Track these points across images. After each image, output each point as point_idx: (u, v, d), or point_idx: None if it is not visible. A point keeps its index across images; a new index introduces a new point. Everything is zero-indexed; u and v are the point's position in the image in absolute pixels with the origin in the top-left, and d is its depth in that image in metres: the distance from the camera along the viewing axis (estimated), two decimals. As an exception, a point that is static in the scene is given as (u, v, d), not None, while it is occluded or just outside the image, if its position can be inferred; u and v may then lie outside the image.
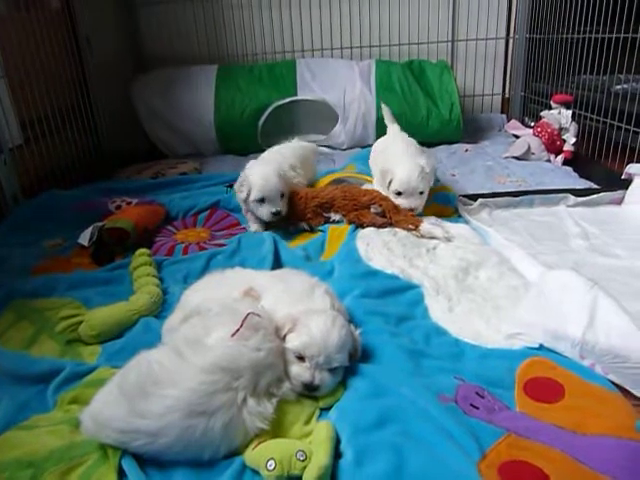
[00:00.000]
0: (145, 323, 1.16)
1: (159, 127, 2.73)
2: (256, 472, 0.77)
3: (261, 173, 1.57)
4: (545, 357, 0.97)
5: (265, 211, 1.56)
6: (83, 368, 1.00)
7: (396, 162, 1.64)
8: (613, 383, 0.92)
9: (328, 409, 0.88)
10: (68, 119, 2.21)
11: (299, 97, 2.72)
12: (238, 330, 0.85)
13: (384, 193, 1.65)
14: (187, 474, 0.78)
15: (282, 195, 1.57)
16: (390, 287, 1.23)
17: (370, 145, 2.66)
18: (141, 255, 1.43)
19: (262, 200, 1.56)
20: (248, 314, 0.88)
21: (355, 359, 0.95)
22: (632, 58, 1.97)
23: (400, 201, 1.60)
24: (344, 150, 2.74)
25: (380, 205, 1.56)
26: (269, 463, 0.75)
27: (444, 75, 2.75)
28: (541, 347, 1.01)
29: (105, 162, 2.52)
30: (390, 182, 1.61)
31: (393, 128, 2.06)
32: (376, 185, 1.77)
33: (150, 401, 0.78)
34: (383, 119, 2.63)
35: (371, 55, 3.04)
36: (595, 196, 1.81)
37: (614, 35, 2.06)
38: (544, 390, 0.89)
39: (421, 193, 1.60)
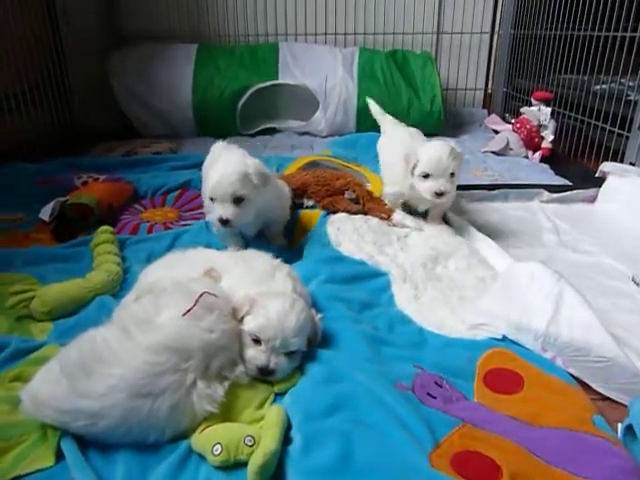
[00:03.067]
0: (100, 301, 1.12)
1: (135, 105, 2.65)
2: (202, 457, 0.74)
3: (219, 168, 1.21)
4: (507, 348, 0.96)
5: (214, 215, 1.20)
6: (29, 345, 0.96)
7: (419, 144, 1.51)
8: (573, 376, 0.92)
9: (283, 394, 0.85)
10: (41, 93, 2.12)
11: (280, 81, 2.67)
12: (190, 309, 0.81)
13: (407, 182, 1.47)
14: (130, 457, 0.74)
15: (238, 199, 1.19)
16: (357, 273, 1.21)
17: (350, 133, 2.67)
18: (103, 232, 1.38)
19: (212, 200, 1.20)
20: (203, 293, 0.84)
21: (314, 344, 0.92)
22: (612, 59, 1.97)
23: (428, 185, 1.40)
24: (324, 137, 2.70)
25: (354, 191, 1.54)
26: (215, 448, 0.72)
27: (427, 67, 2.73)
28: (504, 338, 0.99)
29: (78, 139, 2.44)
30: (414, 166, 1.43)
31: (388, 119, 2.00)
32: (387, 183, 1.61)
33: (92, 380, 0.74)
34: (364, 108, 2.62)
35: (355, 43, 3.00)
36: (569, 193, 1.81)
37: (595, 33, 2.06)
38: (503, 381, 0.87)
39: (452, 175, 1.41)
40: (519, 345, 0.98)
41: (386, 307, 1.12)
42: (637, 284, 1.18)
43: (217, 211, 1.19)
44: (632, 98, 1.92)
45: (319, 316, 0.95)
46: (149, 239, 1.44)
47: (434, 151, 1.42)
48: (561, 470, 0.70)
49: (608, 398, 0.90)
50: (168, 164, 2.03)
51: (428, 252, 1.33)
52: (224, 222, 1.18)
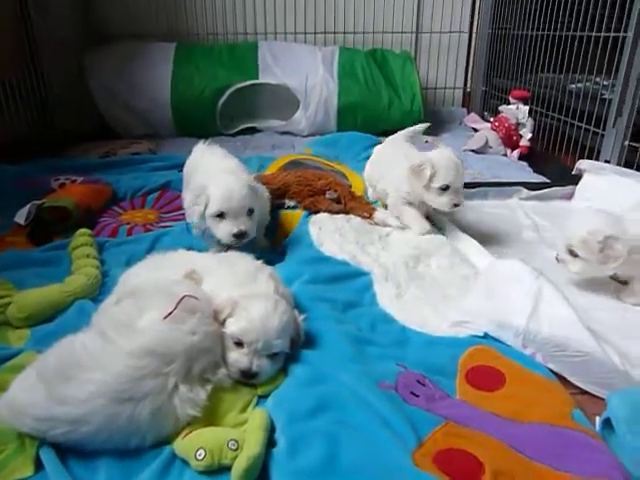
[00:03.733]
0: (80, 306, 1.10)
1: (113, 105, 2.60)
2: (186, 462, 0.73)
3: (224, 182, 1.21)
4: (489, 346, 0.97)
5: (224, 230, 1.19)
6: (6, 352, 0.94)
7: (431, 154, 1.41)
8: (552, 372, 0.93)
9: (267, 397, 0.84)
10: (15, 91, 2.07)
11: (260, 80, 2.66)
12: (172, 312, 0.80)
13: (417, 192, 1.42)
14: (111, 464, 0.73)
15: (250, 211, 1.21)
16: (339, 273, 1.21)
17: (331, 132, 2.67)
18: (82, 235, 1.35)
19: (222, 215, 1.19)
20: (184, 296, 0.83)
21: (297, 345, 0.92)
22: (587, 58, 2.01)
23: (447, 198, 1.37)
24: (305, 137, 2.70)
25: (336, 190, 1.54)
26: (198, 452, 0.71)
27: (407, 66, 2.74)
28: (486, 336, 1.01)
29: (55, 139, 2.39)
30: (432, 177, 1.36)
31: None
32: (392, 196, 1.53)
33: (71, 386, 0.73)
34: (345, 107, 2.63)
35: (335, 42, 3.01)
36: (547, 190, 1.83)
37: (571, 33, 2.09)
38: (485, 378, 0.88)
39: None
40: (500, 342, 0.99)
41: (369, 306, 1.12)
42: (558, 261, 1.19)
43: (229, 226, 1.19)
44: (607, 97, 1.95)
45: (302, 317, 0.95)
46: (129, 241, 1.42)
47: (451, 162, 1.38)
48: (543, 465, 0.72)
49: (586, 392, 0.91)
50: (148, 165, 2.01)
51: (410, 251, 1.33)
52: (241, 235, 1.18)
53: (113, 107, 2.60)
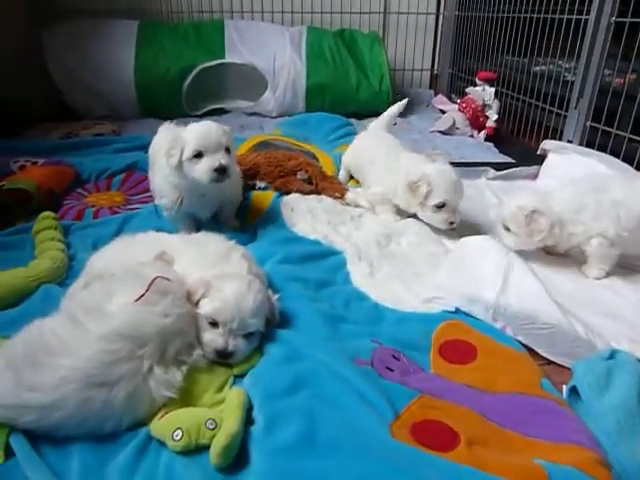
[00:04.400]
0: (45, 291, 1.06)
1: (73, 85, 2.51)
2: (162, 443, 0.72)
3: (199, 125, 1.21)
4: (460, 320, 0.99)
5: (204, 167, 1.16)
6: (-32, 339, 0.90)
7: (428, 167, 1.34)
8: (522, 344, 0.96)
9: (243, 376, 0.84)
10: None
11: (227, 60, 2.60)
12: (143, 295, 0.79)
13: (412, 207, 1.36)
14: (85, 450, 0.72)
15: (227, 150, 1.19)
16: (312, 253, 1.21)
17: (300, 113, 2.64)
18: (45, 219, 1.31)
19: (199, 155, 1.17)
20: (155, 278, 0.82)
21: (273, 325, 0.92)
22: (550, 41, 2.05)
23: (443, 216, 1.32)
24: (274, 118, 2.66)
25: (307, 171, 1.53)
26: (175, 433, 0.71)
27: (375, 46, 2.73)
28: (457, 311, 1.03)
29: (9, 120, 2.28)
30: (428, 194, 1.30)
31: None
32: (373, 184, 1.49)
33: (41, 372, 0.71)
34: (313, 87, 2.61)
35: (302, 22, 2.96)
36: (513, 170, 1.87)
37: (535, 15, 2.12)
38: (458, 352, 0.91)
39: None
40: (471, 317, 1.01)
41: (342, 285, 1.13)
42: (507, 229, 1.22)
43: (208, 162, 1.16)
44: (569, 79, 2.00)
45: (276, 297, 0.95)
46: (95, 224, 1.38)
47: (449, 178, 1.31)
48: (513, 432, 0.74)
49: (553, 362, 0.95)
50: (112, 146, 1.95)
51: (381, 230, 1.34)
52: (222, 170, 1.16)
53: (73, 87, 2.51)
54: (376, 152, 1.53)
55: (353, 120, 2.55)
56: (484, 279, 1.02)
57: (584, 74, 1.86)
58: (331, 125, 2.27)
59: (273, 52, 2.64)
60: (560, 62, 2.22)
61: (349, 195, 1.49)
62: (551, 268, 1.25)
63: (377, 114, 2.63)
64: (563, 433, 0.73)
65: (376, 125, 1.73)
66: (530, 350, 0.95)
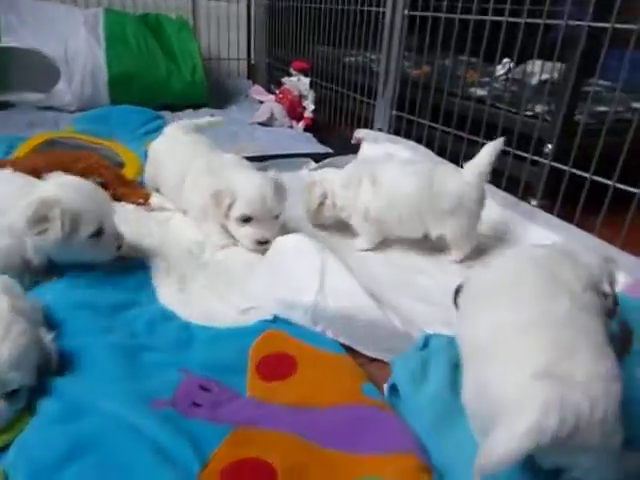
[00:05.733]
0: None
1: None
2: None
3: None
4: (279, 329, 0.91)
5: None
6: None
7: (231, 175, 1.19)
8: (344, 346, 0.92)
9: (6, 449, 0.65)
10: None
11: (3, 44, 2.19)
12: None
13: (216, 222, 1.20)
14: None
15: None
16: (109, 272, 1.03)
17: (104, 106, 2.34)
18: None
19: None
20: None
21: (49, 372, 0.73)
22: (357, 33, 2.10)
23: (249, 231, 1.15)
24: (73, 112, 2.32)
25: (100, 175, 1.31)
26: None
27: (183, 32, 2.55)
28: (275, 319, 0.94)
29: None
30: (231, 205, 1.15)
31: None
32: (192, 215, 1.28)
33: None
34: (117, 77, 2.32)
35: (99, 3, 2.64)
36: (331, 160, 1.87)
37: (339, 7, 2.16)
38: (276, 367, 0.82)
39: (277, 217, 1.18)
40: (290, 323, 0.94)
41: (147, 305, 0.97)
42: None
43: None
44: (375, 70, 2.07)
45: (50, 336, 0.76)
46: None
47: (256, 189, 1.15)
48: (335, 450, 0.68)
49: (376, 360, 0.92)
50: None
51: (193, 236, 1.21)
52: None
53: None
54: (170, 160, 1.34)
55: (167, 113, 2.35)
56: (301, 280, 0.96)
57: (386, 65, 1.93)
58: (139, 119, 2.05)
59: (65, 37, 2.30)
60: (367, 53, 2.30)
61: (154, 200, 1.32)
62: (364, 254, 1.26)
63: (193, 106, 2.51)
64: (385, 442, 0.69)
65: (170, 130, 1.48)
66: (353, 351, 0.92)
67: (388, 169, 1.24)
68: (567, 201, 1.33)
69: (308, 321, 0.93)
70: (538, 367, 0.63)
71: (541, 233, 1.32)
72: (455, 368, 0.82)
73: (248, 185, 1.15)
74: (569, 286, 0.77)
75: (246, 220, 1.15)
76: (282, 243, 1.04)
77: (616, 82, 1.26)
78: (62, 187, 0.96)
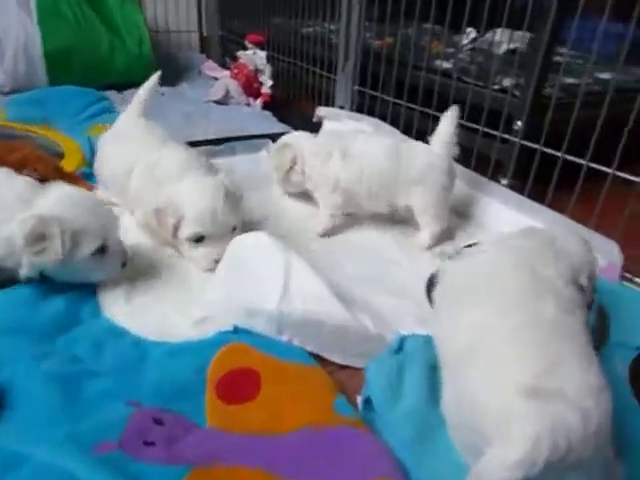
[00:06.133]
0: None
1: None
2: None
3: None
4: (240, 341, 0.82)
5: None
6: None
7: (175, 186, 1.01)
8: (313, 354, 0.84)
9: None
10: None
11: None
12: None
13: (163, 238, 1.04)
14: None
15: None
16: (44, 282, 0.91)
17: (42, 87, 2.14)
18: None
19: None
20: None
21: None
22: (318, 1, 1.96)
23: (205, 251, 1.00)
24: (6, 94, 2.11)
25: (35, 169, 1.17)
26: None
27: (126, 2, 2.34)
28: (236, 329, 0.86)
29: None
30: (178, 224, 0.99)
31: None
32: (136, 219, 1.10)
33: None
34: (54, 54, 2.11)
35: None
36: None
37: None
38: (238, 386, 0.74)
39: (234, 229, 1.03)
40: (253, 334, 0.85)
41: (90, 321, 0.86)
42: None
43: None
44: (334, 41, 1.95)
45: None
46: None
47: (206, 202, 0.97)
48: (304, 482, 0.61)
49: (347, 366, 0.85)
50: None
51: (143, 238, 1.09)
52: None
53: None
54: (132, 155, 1.15)
55: (112, 93, 2.17)
56: (263, 285, 0.87)
57: (346, 36, 1.81)
58: (81, 101, 1.87)
59: (-9, 10, 2.06)
60: (326, 24, 2.17)
61: (99, 193, 1.20)
62: (333, 247, 1.20)
63: (140, 84, 2.32)
64: (361, 468, 0.63)
65: (127, 114, 1.31)
66: (322, 359, 0.85)
67: (358, 142, 1.23)
68: (539, 180, 1.28)
69: (272, 330, 0.85)
70: (526, 381, 0.58)
71: (511, 215, 1.28)
72: (433, 370, 0.77)
73: (196, 199, 0.98)
74: (552, 283, 0.73)
75: (199, 239, 1.00)
76: (240, 243, 0.94)
77: (580, 51, 1.21)
78: (61, 201, 0.87)
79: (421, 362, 0.79)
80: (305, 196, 1.36)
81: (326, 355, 0.85)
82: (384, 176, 1.18)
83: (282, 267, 0.88)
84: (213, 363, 0.78)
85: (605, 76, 1.60)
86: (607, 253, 1.09)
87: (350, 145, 1.22)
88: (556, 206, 1.23)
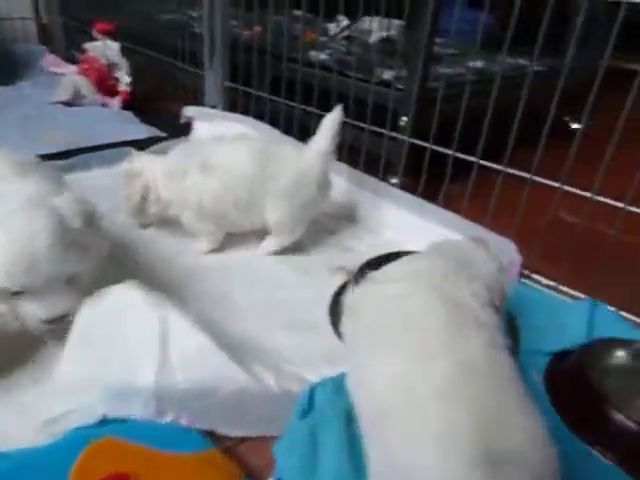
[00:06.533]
0: None
1: None
2: None
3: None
4: (109, 436, 0.64)
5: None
6: None
7: None
8: (206, 433, 0.69)
9: None
10: None
11: None
12: None
13: None
14: None
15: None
16: None
17: None
18: None
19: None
20: None
21: None
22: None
23: (27, 308, 0.70)
24: None
25: None
26: None
27: None
28: (103, 421, 0.66)
29: None
30: None
31: None
32: None
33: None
34: None
35: None
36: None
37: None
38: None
39: (72, 279, 0.73)
40: (126, 422, 0.67)
41: None
42: None
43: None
44: (197, 31, 1.74)
45: None
46: None
47: (18, 247, 0.67)
48: None
49: (249, 437, 0.71)
50: None
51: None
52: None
53: None
54: None
55: None
56: (134, 355, 0.69)
57: (210, 24, 1.62)
58: None
59: None
60: (187, 10, 1.95)
61: None
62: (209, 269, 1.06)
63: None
64: None
65: None
66: (219, 437, 0.69)
67: (218, 150, 1.08)
68: (432, 175, 1.22)
69: (151, 412, 0.67)
70: (474, 452, 0.48)
71: (402, 216, 1.22)
72: (351, 423, 0.65)
73: (4, 242, 0.67)
74: (472, 312, 0.65)
75: (16, 293, 0.70)
76: (98, 303, 0.73)
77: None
78: None
79: (336, 420, 0.68)
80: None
81: (223, 430, 0.69)
82: (250, 186, 1.04)
83: (157, 329, 0.70)
84: (73, 472, 0.59)
85: (478, 64, 1.59)
86: (504, 251, 1.06)
87: (210, 154, 1.06)
88: (449, 203, 1.18)
